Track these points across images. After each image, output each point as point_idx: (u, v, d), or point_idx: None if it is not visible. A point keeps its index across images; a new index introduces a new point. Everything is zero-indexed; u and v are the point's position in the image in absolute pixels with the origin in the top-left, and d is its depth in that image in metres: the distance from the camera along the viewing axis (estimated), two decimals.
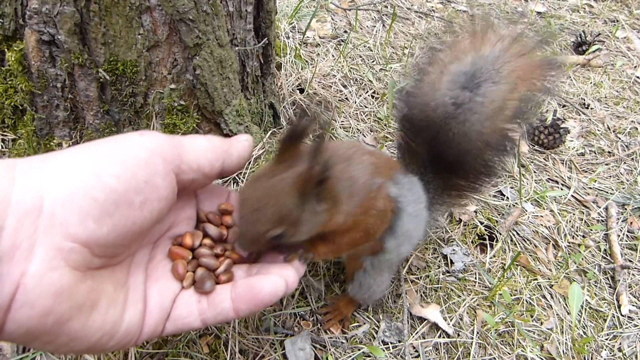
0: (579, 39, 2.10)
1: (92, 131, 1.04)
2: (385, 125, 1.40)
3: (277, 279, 0.59)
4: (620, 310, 1.15)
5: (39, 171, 0.47)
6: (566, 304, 1.11)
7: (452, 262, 1.08)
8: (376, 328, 0.95)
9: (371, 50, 1.74)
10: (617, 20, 2.43)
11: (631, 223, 1.39)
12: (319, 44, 1.65)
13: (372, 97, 1.50)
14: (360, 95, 1.47)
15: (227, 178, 1.07)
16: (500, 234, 1.19)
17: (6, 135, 1.08)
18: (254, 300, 0.58)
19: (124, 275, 0.57)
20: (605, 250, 1.28)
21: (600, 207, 1.40)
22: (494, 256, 1.15)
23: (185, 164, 0.58)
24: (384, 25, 1.88)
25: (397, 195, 0.78)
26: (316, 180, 0.60)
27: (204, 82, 0.97)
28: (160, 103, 0.99)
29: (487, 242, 1.16)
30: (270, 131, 1.18)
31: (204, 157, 0.60)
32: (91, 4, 0.87)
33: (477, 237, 1.16)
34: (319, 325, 0.93)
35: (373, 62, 1.68)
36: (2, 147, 1.08)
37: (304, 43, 1.65)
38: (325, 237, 0.72)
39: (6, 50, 0.96)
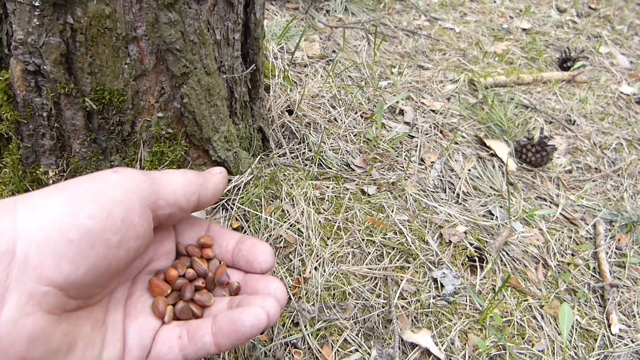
0: (564, 55, 2.13)
1: (78, 159, 1.03)
2: (375, 146, 1.40)
3: (259, 311, 0.58)
4: (610, 330, 1.15)
5: (11, 214, 0.47)
6: (557, 325, 1.11)
7: (442, 286, 1.08)
8: (367, 356, 0.94)
9: (360, 70, 1.75)
10: (600, 36, 2.47)
11: (619, 240, 1.40)
12: (307, 65, 1.65)
13: (362, 117, 1.51)
14: (349, 116, 1.48)
15: (215, 205, 1.07)
16: (490, 255, 1.19)
17: None
18: (236, 334, 0.57)
19: (101, 314, 0.56)
20: (594, 268, 1.29)
21: (588, 225, 1.41)
22: (485, 277, 1.15)
23: (161, 200, 0.58)
24: (369, 43, 1.89)
25: None
26: None
27: (192, 110, 0.97)
28: (148, 131, 0.99)
29: (477, 263, 1.16)
30: (259, 156, 1.18)
31: (180, 192, 0.60)
32: (77, 34, 0.87)
33: (467, 259, 1.17)
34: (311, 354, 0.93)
35: (362, 81, 1.69)
36: None
37: (293, 63, 1.66)
38: None
39: None
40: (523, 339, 1.06)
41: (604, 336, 1.14)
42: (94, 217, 0.49)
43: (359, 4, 2.16)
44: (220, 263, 0.69)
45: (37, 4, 0.83)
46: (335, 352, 0.94)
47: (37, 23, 0.85)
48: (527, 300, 1.14)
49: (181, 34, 0.88)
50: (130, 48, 0.89)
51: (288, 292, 0.88)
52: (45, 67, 0.90)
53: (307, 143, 1.31)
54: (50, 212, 0.48)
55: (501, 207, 1.36)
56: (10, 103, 0.96)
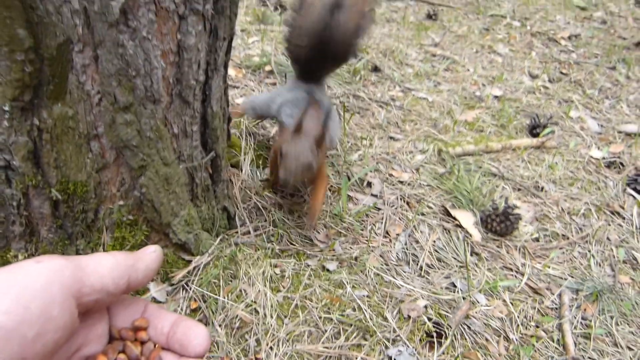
0: (533, 121, 2.21)
1: (46, 244, 1.08)
2: (340, 220, 1.45)
3: None
4: None
5: None
6: None
7: None
8: None
9: None
10: (572, 101, 2.56)
11: (585, 309, 1.42)
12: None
13: (330, 190, 1.57)
14: None
15: (175, 285, 1.11)
16: (450, 329, 1.21)
17: None
18: None
19: None
20: (558, 340, 1.30)
21: (554, 294, 1.43)
22: (443, 353, 1.17)
23: (87, 287, 0.57)
24: (341, 118, 1.98)
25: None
26: (320, 137, 1.24)
27: (150, 198, 1.03)
28: (110, 218, 1.05)
29: (435, 339, 1.18)
30: (221, 236, 1.23)
31: (108, 276, 0.59)
32: (44, 133, 0.94)
33: (425, 335, 1.19)
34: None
35: (331, 156, 1.77)
36: None
37: (267, 139, 1.74)
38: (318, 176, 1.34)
39: None
40: None
41: None
42: (9, 312, 0.49)
43: (335, 77, 2.28)
44: (154, 346, 0.67)
45: (6, 108, 0.90)
46: None
47: (7, 125, 0.92)
48: None
49: (137, 132, 0.95)
50: (92, 144, 0.96)
51: None
52: (14, 162, 0.97)
53: (273, 220, 1.36)
54: None
55: (464, 278, 1.39)
56: None
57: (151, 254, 0.66)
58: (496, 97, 2.49)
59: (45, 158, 0.97)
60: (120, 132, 0.93)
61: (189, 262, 1.13)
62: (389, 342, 1.14)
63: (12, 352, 0.49)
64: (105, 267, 0.60)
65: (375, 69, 2.52)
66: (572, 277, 1.51)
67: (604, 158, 2.14)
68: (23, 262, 0.56)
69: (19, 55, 0.85)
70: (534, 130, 2.20)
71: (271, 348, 1.05)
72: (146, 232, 1.07)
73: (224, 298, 1.09)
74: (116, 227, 1.05)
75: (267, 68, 2.29)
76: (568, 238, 1.67)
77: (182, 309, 1.06)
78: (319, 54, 1.53)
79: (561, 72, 2.89)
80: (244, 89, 2.13)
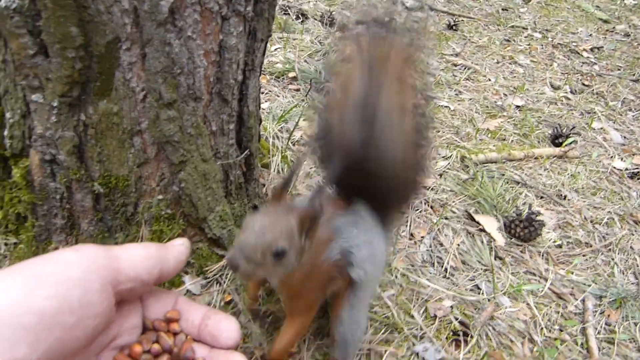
0: (556, 131, 2.22)
1: (86, 237, 1.12)
2: None
3: None
4: None
5: None
6: None
7: None
8: None
9: None
10: (594, 112, 2.57)
11: (609, 316, 1.42)
12: (304, 144, 1.77)
13: None
14: None
15: (209, 279, 1.14)
16: (475, 329, 1.22)
17: (9, 239, 1.17)
18: None
19: None
20: (582, 344, 1.30)
21: (577, 300, 1.44)
22: (469, 352, 1.18)
23: (122, 275, 0.60)
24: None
25: (343, 247, 0.88)
26: (313, 217, 0.71)
27: (189, 193, 1.07)
28: (149, 212, 1.09)
29: (462, 337, 1.20)
30: None
31: (141, 266, 0.62)
32: (89, 129, 0.99)
33: (451, 333, 1.20)
34: None
35: None
36: (4, 250, 1.17)
37: (292, 143, 1.78)
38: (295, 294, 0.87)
39: (13, 166, 1.07)
40: None
41: None
42: (51, 298, 0.51)
43: None
44: (186, 338, 0.70)
45: (55, 104, 0.95)
46: None
47: (55, 120, 0.97)
48: None
49: (179, 128, 0.99)
50: (134, 140, 1.01)
51: None
52: (59, 157, 1.02)
53: None
54: (7, 296, 0.49)
55: (488, 281, 1.41)
56: (27, 187, 1.08)
57: (180, 246, 0.70)
58: (518, 106, 2.51)
59: (89, 153, 1.02)
60: (164, 128, 0.98)
61: (222, 256, 1.16)
62: (416, 338, 1.16)
63: (54, 338, 0.51)
64: (138, 257, 0.64)
65: None
66: (596, 283, 1.51)
67: (627, 169, 2.14)
68: (61, 250, 0.59)
69: (70, 52, 0.90)
70: (556, 139, 2.21)
71: (304, 341, 1.07)
72: (183, 226, 1.11)
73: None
74: (154, 220, 1.09)
75: (291, 74, 2.34)
76: (591, 246, 1.68)
77: (215, 302, 1.09)
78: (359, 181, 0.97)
79: (583, 84, 2.90)
80: (268, 94, 2.18)
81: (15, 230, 1.17)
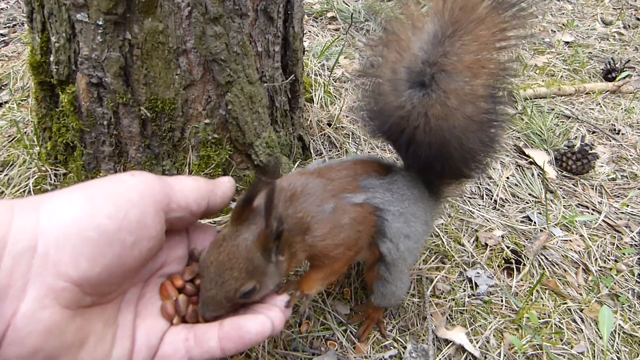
0: (608, 66, 2.11)
1: (134, 164, 1.12)
2: None
3: (264, 319, 0.62)
4: None
5: (35, 212, 0.50)
6: (597, 329, 1.10)
7: (476, 285, 1.09)
8: (402, 350, 0.97)
9: None
10: None
11: None
12: (346, 80, 1.72)
13: None
14: None
15: None
16: (528, 258, 1.19)
17: (58, 170, 1.19)
18: (242, 340, 0.60)
19: (114, 313, 0.59)
20: (639, 274, 1.26)
21: (633, 232, 1.38)
22: (521, 280, 1.15)
23: (174, 203, 0.61)
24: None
25: (369, 199, 0.80)
26: (274, 236, 0.65)
27: (236, 116, 1.05)
28: (196, 137, 1.07)
29: (514, 265, 1.17)
30: (298, 162, 1.24)
31: (191, 197, 0.64)
32: (134, 49, 0.97)
33: (503, 261, 1.17)
34: (353, 339, 0.96)
35: None
36: (54, 181, 1.19)
37: (334, 79, 1.73)
38: (312, 269, 0.80)
39: (60, 93, 1.07)
40: (561, 340, 1.05)
41: None
42: (111, 217, 0.52)
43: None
44: None
45: (100, 23, 0.93)
46: (370, 347, 0.97)
47: (100, 40, 0.96)
48: (566, 303, 1.13)
49: (225, 46, 0.96)
50: (180, 60, 0.98)
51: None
52: (106, 80, 1.01)
53: (345, 151, 1.36)
54: (71, 212, 0.51)
55: (540, 213, 1.36)
56: (75, 113, 1.08)
57: (227, 183, 0.71)
58: (567, 43, 2.38)
59: (135, 75, 1.00)
60: (210, 44, 0.95)
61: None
62: (467, 265, 1.13)
63: (113, 255, 0.53)
64: (189, 188, 0.65)
65: None
66: None
67: None
68: (120, 174, 0.60)
69: None
70: (609, 74, 2.10)
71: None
72: (230, 152, 1.10)
73: None
74: (201, 146, 1.08)
75: (329, 14, 2.27)
76: None
77: None
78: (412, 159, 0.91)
79: (637, 18, 2.72)
80: (307, 34, 2.12)
81: (64, 161, 1.18)
